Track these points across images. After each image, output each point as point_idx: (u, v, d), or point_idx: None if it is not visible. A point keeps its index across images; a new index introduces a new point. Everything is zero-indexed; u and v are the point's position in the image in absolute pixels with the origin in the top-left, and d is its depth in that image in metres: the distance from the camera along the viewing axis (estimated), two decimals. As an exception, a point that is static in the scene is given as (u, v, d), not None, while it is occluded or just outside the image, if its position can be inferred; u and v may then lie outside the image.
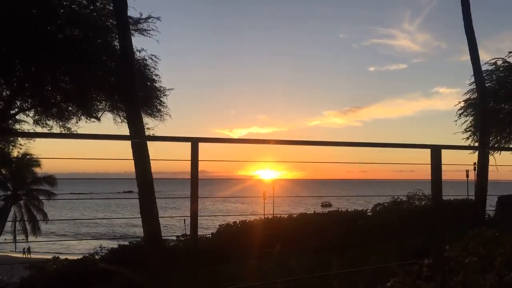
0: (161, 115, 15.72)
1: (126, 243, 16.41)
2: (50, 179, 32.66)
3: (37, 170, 31.33)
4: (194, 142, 2.89)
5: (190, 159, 2.91)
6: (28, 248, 37.66)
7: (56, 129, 15.38)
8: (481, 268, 3.75)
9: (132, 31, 13.34)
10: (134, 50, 13.07)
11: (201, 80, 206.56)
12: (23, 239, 31.58)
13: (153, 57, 15.00)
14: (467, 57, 14.98)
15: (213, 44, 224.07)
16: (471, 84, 18.85)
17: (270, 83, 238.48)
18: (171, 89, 15.84)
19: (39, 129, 15.40)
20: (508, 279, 3.47)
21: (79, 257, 17.40)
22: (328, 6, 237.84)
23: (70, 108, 15.33)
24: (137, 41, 14.99)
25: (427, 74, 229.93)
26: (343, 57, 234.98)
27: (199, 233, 2.95)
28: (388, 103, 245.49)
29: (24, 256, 36.76)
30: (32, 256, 35.10)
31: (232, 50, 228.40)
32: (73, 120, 15.52)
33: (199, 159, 2.92)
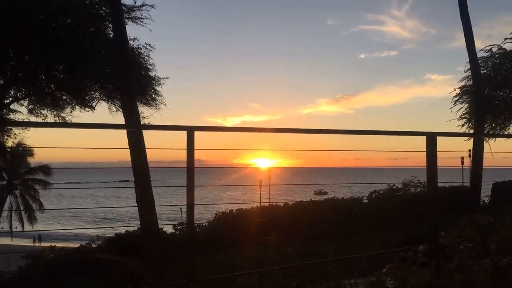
0: (156, 104, 15.67)
1: (123, 232, 16.45)
2: (46, 169, 32.64)
3: (32, 159, 31.29)
4: (190, 131, 2.88)
5: (186, 148, 2.91)
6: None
7: (51, 119, 15.31)
8: (476, 254, 3.78)
9: (126, 19, 13.22)
10: (128, 38, 12.97)
11: (191, 69, 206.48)
12: (18, 229, 31.60)
13: (147, 46, 14.92)
14: (457, 43, 15.04)
15: (204, 33, 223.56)
16: (466, 71, 18.86)
17: (262, 71, 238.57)
18: (166, 78, 15.78)
19: (33, 119, 15.34)
20: (502, 265, 3.50)
21: (76, 246, 17.45)
22: None
23: (64, 97, 15.23)
24: (131, 29, 14.87)
25: (418, 60, 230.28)
26: (333, 44, 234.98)
27: (196, 222, 2.96)
28: (380, 90, 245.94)
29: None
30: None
31: (223, 40, 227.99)
32: (68, 110, 15.44)
33: (195, 147, 2.92)
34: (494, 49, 18.67)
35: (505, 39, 18.24)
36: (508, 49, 18.44)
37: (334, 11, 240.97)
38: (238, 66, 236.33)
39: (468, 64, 15.89)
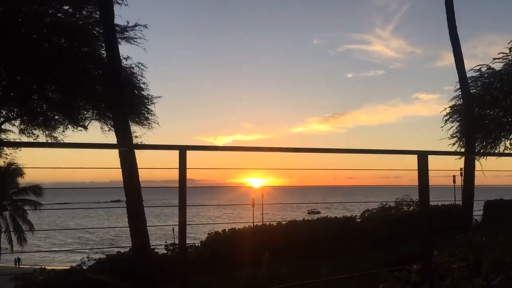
0: (149, 123, 15.67)
1: (114, 253, 16.24)
2: (36, 189, 32.30)
3: (22, 180, 30.98)
4: (182, 150, 2.88)
5: (178, 167, 2.90)
6: (18, 259, 37.16)
7: (42, 138, 15.23)
8: (469, 273, 3.78)
9: (119, 39, 13.27)
10: (121, 58, 13.02)
11: (182, 89, 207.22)
12: (8, 250, 31.10)
13: (140, 65, 14.97)
14: (443, 63, 15.29)
15: (193, 53, 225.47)
16: (456, 90, 19.09)
17: (252, 91, 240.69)
18: (158, 97, 15.81)
19: (24, 139, 15.23)
20: (495, 284, 3.50)
21: (67, 267, 17.19)
22: (297, 13, 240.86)
23: (56, 117, 15.19)
24: (124, 49, 14.94)
25: (406, 80, 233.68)
26: (320, 63, 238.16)
27: (188, 242, 2.94)
28: (369, 109, 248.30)
29: (17, 266, 36.28)
30: (22, 266, 34.64)
31: (211, 60, 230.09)
32: (60, 129, 15.38)
33: (187, 167, 2.92)
34: (483, 69, 18.95)
35: (494, 59, 18.53)
36: (497, 69, 18.73)
37: (319, 31, 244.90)
38: (228, 86, 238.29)
39: (458, 83, 16.09)
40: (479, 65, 19.05)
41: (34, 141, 15.04)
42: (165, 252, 15.85)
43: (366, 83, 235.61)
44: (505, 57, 18.33)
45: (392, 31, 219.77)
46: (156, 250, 15.44)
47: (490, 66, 18.82)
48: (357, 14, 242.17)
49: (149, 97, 15.54)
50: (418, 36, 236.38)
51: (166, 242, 17.33)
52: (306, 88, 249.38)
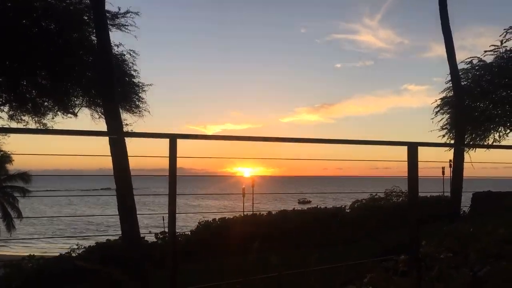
0: (139, 111, 15.58)
1: (104, 240, 16.21)
2: (25, 176, 32.07)
3: (11, 166, 30.73)
4: (173, 138, 2.87)
5: (168, 155, 2.89)
6: None
7: (32, 125, 15.08)
8: (456, 263, 3.82)
9: (110, 26, 13.15)
10: (112, 45, 12.90)
11: (171, 77, 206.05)
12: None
13: (131, 52, 14.85)
14: (431, 54, 15.41)
15: (181, 42, 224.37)
16: (447, 82, 19.19)
17: (240, 79, 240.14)
18: (150, 85, 15.71)
19: (14, 125, 15.08)
20: (481, 274, 3.54)
21: (56, 255, 17.13)
22: (284, 1, 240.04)
23: (46, 103, 15.04)
24: (116, 36, 14.82)
25: (394, 71, 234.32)
26: (308, 52, 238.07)
27: (178, 231, 2.93)
28: (358, 99, 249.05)
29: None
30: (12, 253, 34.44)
31: (200, 49, 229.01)
32: (49, 116, 15.24)
33: (177, 155, 2.90)
34: (475, 61, 19.04)
35: (485, 51, 18.63)
36: (488, 61, 18.82)
37: (307, 19, 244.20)
38: (217, 74, 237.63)
39: (449, 75, 16.17)
40: (470, 57, 19.15)
41: (24, 127, 14.91)
42: (155, 240, 15.87)
43: (355, 73, 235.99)
44: (496, 50, 18.43)
45: (380, 20, 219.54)
46: (146, 239, 15.45)
47: (481, 58, 18.92)
48: (344, 2, 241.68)
49: (140, 84, 15.46)
50: (406, 26, 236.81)
51: (155, 231, 17.34)
52: (295, 78, 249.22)
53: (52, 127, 15.31)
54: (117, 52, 14.51)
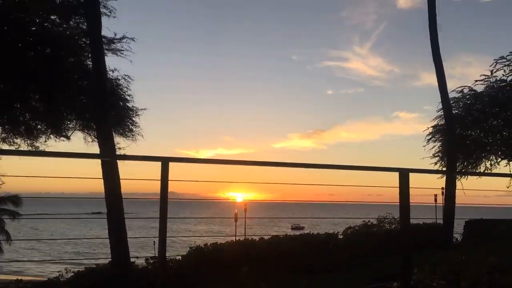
0: (133, 135, 15.57)
1: (93, 265, 15.96)
2: (15, 199, 31.68)
3: (0, 189, 30.34)
4: (165, 161, 2.88)
5: (160, 179, 2.89)
6: None
7: (24, 148, 14.98)
8: (448, 291, 3.81)
9: (106, 51, 13.26)
10: (107, 69, 12.99)
11: (163, 101, 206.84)
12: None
13: (126, 77, 14.94)
14: (421, 83, 15.68)
15: (175, 68, 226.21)
16: (438, 111, 19.40)
17: (233, 106, 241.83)
18: (143, 109, 15.75)
19: (6, 147, 14.99)
20: (473, 302, 3.53)
21: (44, 279, 16.83)
22: (275, 30, 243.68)
23: (39, 126, 14.99)
24: (111, 61, 14.91)
25: (385, 98, 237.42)
26: (300, 79, 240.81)
27: (169, 255, 2.91)
28: (350, 126, 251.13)
29: None
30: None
31: (193, 74, 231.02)
32: (42, 139, 15.17)
33: (169, 179, 2.91)
34: (466, 90, 19.31)
35: (476, 81, 18.93)
36: (479, 90, 19.10)
37: (298, 47, 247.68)
38: (210, 100, 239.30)
39: (440, 104, 16.36)
40: (461, 87, 19.43)
41: (16, 149, 14.82)
42: (145, 265, 15.64)
43: (346, 100, 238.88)
44: (486, 80, 18.73)
45: (370, 49, 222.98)
46: (136, 263, 15.23)
47: (472, 87, 19.21)
48: (334, 31, 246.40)
49: (134, 109, 15.49)
50: (396, 55, 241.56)
51: (146, 255, 17.10)
52: (287, 104, 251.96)
53: (44, 150, 15.24)
54: (112, 77, 14.59)
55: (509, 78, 18.24)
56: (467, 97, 19.37)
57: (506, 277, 3.85)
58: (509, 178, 18.72)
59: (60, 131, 14.97)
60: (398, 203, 3.46)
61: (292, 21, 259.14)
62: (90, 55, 12.72)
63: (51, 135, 15.10)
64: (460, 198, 14.74)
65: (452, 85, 17.31)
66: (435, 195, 19.66)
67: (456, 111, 19.07)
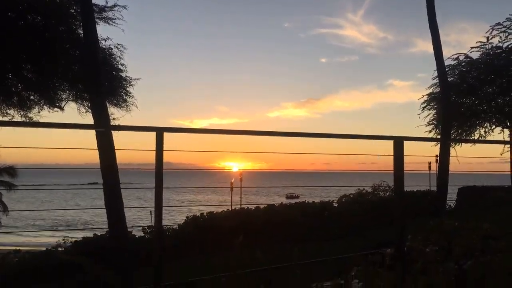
0: (127, 105, 15.47)
1: (91, 235, 16.12)
2: (10, 170, 31.70)
3: (-4, 160, 30.30)
4: (159, 131, 2.86)
5: (155, 149, 2.88)
6: None
7: (18, 119, 14.88)
8: (441, 257, 3.87)
9: (97, 19, 13.02)
10: (99, 38, 12.78)
11: (156, 72, 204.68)
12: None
13: (119, 46, 14.74)
14: (415, 49, 15.58)
15: (166, 36, 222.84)
16: (434, 78, 19.34)
17: (226, 75, 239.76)
18: (137, 79, 15.60)
19: (-1, 119, 14.89)
20: (466, 267, 3.59)
21: (42, 249, 17.01)
22: None
23: (32, 97, 14.86)
24: (103, 30, 14.69)
25: (379, 66, 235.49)
26: (293, 47, 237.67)
27: (166, 225, 2.93)
28: (344, 95, 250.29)
29: None
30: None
31: (184, 44, 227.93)
32: (35, 110, 15.05)
33: (164, 149, 2.89)
34: (461, 57, 19.22)
35: (472, 47, 18.83)
36: (474, 57, 19.01)
37: (290, 14, 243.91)
38: (203, 70, 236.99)
39: (436, 71, 16.28)
40: (457, 54, 19.35)
41: (10, 120, 14.72)
42: (143, 235, 15.82)
43: (340, 68, 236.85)
44: (482, 46, 18.62)
45: (363, 16, 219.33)
46: (133, 233, 15.39)
47: (467, 55, 19.11)
48: None
49: (128, 78, 15.34)
50: (389, 22, 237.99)
51: (143, 225, 17.27)
52: (280, 72, 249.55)
53: (38, 121, 15.15)
54: (104, 46, 14.39)
55: (505, 45, 18.16)
56: (463, 64, 19.31)
57: (499, 243, 3.91)
58: (503, 145, 18.86)
59: (53, 102, 14.85)
60: (392, 171, 3.48)
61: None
62: (81, 24, 12.48)
63: (44, 106, 14.98)
64: (454, 165, 14.86)
65: (447, 52, 17.17)
66: (429, 163, 19.81)
67: (452, 79, 19.02)
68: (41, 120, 14.99)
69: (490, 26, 18.15)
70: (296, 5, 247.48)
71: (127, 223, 10.32)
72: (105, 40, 14.31)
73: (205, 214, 16.32)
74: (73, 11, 13.56)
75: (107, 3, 13.83)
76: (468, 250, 3.83)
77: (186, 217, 16.61)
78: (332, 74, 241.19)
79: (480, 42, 18.54)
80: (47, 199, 79.84)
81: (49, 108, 14.97)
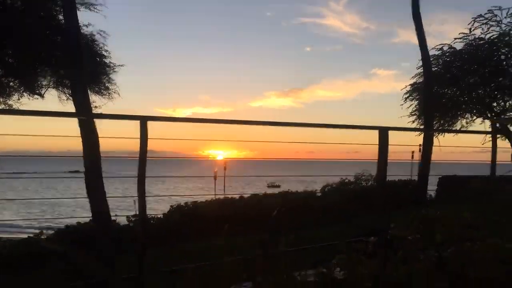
0: (109, 93, 15.31)
1: (74, 223, 15.97)
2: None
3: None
4: (143, 120, 2.83)
5: (139, 137, 2.85)
6: None
7: (-3, 106, 14.64)
8: (422, 245, 3.93)
9: (78, 5, 12.79)
10: (81, 24, 12.57)
11: (137, 60, 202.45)
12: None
13: (102, 33, 14.52)
14: (398, 39, 15.71)
15: (148, 26, 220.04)
16: (418, 68, 19.49)
17: (208, 63, 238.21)
18: (121, 66, 15.42)
19: (-22, 106, 14.59)
20: (446, 255, 3.65)
21: (24, 237, 16.82)
22: None
23: (11, 83, 14.58)
24: (86, 16, 14.43)
25: (363, 55, 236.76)
26: (275, 36, 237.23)
27: (150, 214, 2.91)
28: (328, 84, 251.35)
29: None
30: None
31: (165, 33, 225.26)
32: (15, 97, 14.79)
33: (148, 137, 2.87)
34: (445, 48, 19.38)
35: (455, 38, 18.98)
36: (458, 48, 19.19)
37: (271, 2, 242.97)
38: (184, 59, 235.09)
39: (420, 61, 16.41)
40: (440, 44, 19.49)
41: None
42: (127, 223, 15.73)
43: (323, 57, 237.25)
44: (465, 37, 18.79)
45: (345, 5, 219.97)
46: (117, 221, 15.30)
47: (451, 45, 19.27)
48: None
49: (111, 65, 15.15)
50: (371, 12, 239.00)
51: (126, 213, 17.18)
52: (262, 62, 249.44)
53: (18, 108, 14.89)
54: (86, 32, 14.18)
55: (487, 36, 18.35)
56: (447, 54, 19.48)
57: (479, 232, 3.98)
58: (484, 135, 19.16)
59: (33, 89, 14.60)
60: (375, 160, 3.50)
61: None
62: (61, 10, 12.25)
63: (24, 93, 14.72)
64: (436, 154, 15.09)
65: (428, 42, 17.14)
66: (412, 152, 20.03)
67: (436, 69, 19.20)
68: (21, 107, 14.76)
69: (472, 18, 18.32)
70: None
71: (112, 212, 10.26)
72: (87, 26, 14.11)
73: (189, 203, 16.29)
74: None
75: (88, -13, 13.60)
76: (449, 239, 3.89)
77: (171, 206, 16.57)
78: (315, 64, 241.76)
79: (463, 33, 18.71)
80: (29, 188, 78.84)
81: (29, 95, 14.73)
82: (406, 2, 14.75)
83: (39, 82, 14.67)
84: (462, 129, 20.48)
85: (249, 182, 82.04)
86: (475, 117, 20.59)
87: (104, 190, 9.59)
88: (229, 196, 17.83)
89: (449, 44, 19.30)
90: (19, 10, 12.88)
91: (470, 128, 20.69)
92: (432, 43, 20.32)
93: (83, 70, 9.95)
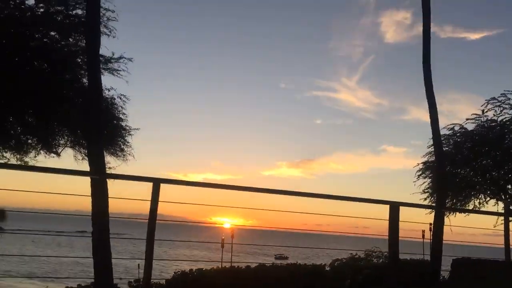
0: (124, 155, 15.52)
1: (75, 285, 15.63)
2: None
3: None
4: (156, 182, 2.86)
5: (150, 199, 2.87)
6: None
7: (13, 162, 14.86)
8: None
9: (102, 70, 13.32)
10: (103, 88, 13.02)
11: (152, 123, 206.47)
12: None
13: (122, 97, 14.99)
14: (409, 117, 15.88)
15: (165, 91, 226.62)
16: (429, 147, 19.56)
17: (222, 132, 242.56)
18: (136, 129, 15.75)
19: (-6, 161, 14.84)
20: None
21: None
22: (263, 58, 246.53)
23: (29, 141, 14.90)
24: (108, 80, 14.97)
25: (373, 131, 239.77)
26: (288, 107, 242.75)
27: (153, 279, 2.87)
28: (338, 157, 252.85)
29: None
30: None
31: (179, 98, 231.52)
32: (32, 154, 15.06)
33: (160, 200, 2.88)
34: (456, 128, 19.55)
35: (467, 119, 19.19)
36: (469, 129, 19.34)
37: (286, 75, 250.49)
38: (198, 125, 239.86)
39: (431, 140, 16.49)
40: (452, 124, 19.69)
41: (5, 163, 14.66)
42: (128, 288, 15.34)
43: (334, 130, 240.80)
44: (477, 118, 18.99)
45: (358, 81, 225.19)
46: (119, 286, 14.94)
47: (462, 125, 19.44)
48: (322, 62, 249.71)
49: (127, 128, 15.48)
50: (383, 88, 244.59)
51: (129, 277, 16.80)
52: (275, 132, 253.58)
53: (34, 165, 15.07)
54: (107, 96, 14.63)
55: (499, 119, 18.52)
56: (458, 134, 19.60)
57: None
58: (497, 217, 18.79)
59: (50, 147, 14.87)
60: (385, 237, 3.46)
61: (279, 48, 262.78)
62: (86, 73, 12.74)
63: (41, 151, 14.99)
64: (447, 235, 14.72)
65: (440, 121, 17.39)
66: (423, 231, 19.61)
67: (447, 148, 19.24)
68: (37, 165, 14.95)
69: (486, 100, 18.62)
70: (292, 66, 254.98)
71: (114, 274, 10.04)
72: (109, 90, 14.59)
73: (194, 270, 15.91)
74: (79, 60, 13.87)
75: (113, 54, 14.21)
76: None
77: (174, 272, 16.18)
78: (327, 136, 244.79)
79: (475, 114, 18.94)
80: (34, 245, 77.95)
81: (46, 153, 14.98)
82: (417, 80, 15.04)
83: (56, 141, 14.97)
84: (474, 209, 20.15)
85: (255, 252, 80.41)
86: (488, 198, 20.31)
87: (110, 251, 9.46)
88: (235, 265, 17.44)
89: (460, 124, 19.49)
90: (45, 72, 13.40)
91: (482, 209, 20.35)
92: (443, 121, 20.57)
93: (101, 131, 10.18)
